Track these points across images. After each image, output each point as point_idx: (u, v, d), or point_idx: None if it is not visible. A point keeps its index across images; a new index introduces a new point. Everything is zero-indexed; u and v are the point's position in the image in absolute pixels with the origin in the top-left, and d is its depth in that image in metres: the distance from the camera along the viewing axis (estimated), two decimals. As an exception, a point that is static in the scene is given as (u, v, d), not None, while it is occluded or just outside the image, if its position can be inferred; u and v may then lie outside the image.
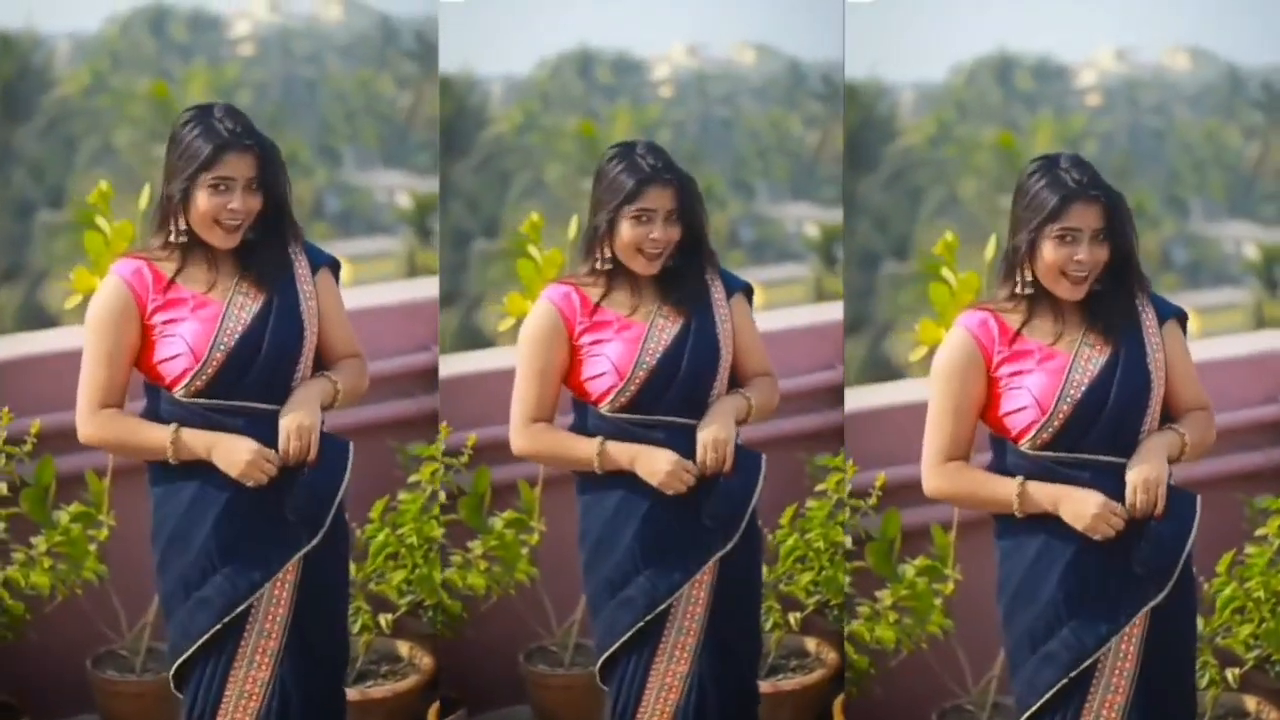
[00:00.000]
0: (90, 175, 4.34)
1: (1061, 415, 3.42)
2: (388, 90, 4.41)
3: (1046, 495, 3.42)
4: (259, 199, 3.49)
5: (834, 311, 4.43)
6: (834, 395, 4.43)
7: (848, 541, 4.37)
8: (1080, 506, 3.40)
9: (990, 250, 4.20)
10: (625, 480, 3.61)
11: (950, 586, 4.30)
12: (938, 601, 4.30)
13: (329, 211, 4.43)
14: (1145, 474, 3.42)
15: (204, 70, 4.35)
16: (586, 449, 3.61)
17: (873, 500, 4.34)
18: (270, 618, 3.49)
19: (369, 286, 4.42)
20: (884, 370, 4.41)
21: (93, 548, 4.26)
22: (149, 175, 4.33)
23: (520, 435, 3.65)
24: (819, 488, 4.41)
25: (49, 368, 4.23)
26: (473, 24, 4.33)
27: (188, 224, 3.48)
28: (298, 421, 3.48)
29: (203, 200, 3.46)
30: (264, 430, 3.47)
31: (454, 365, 4.42)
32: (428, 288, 4.43)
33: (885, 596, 4.32)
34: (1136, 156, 4.41)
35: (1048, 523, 3.44)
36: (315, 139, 4.40)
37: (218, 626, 3.47)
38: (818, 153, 4.45)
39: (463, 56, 4.38)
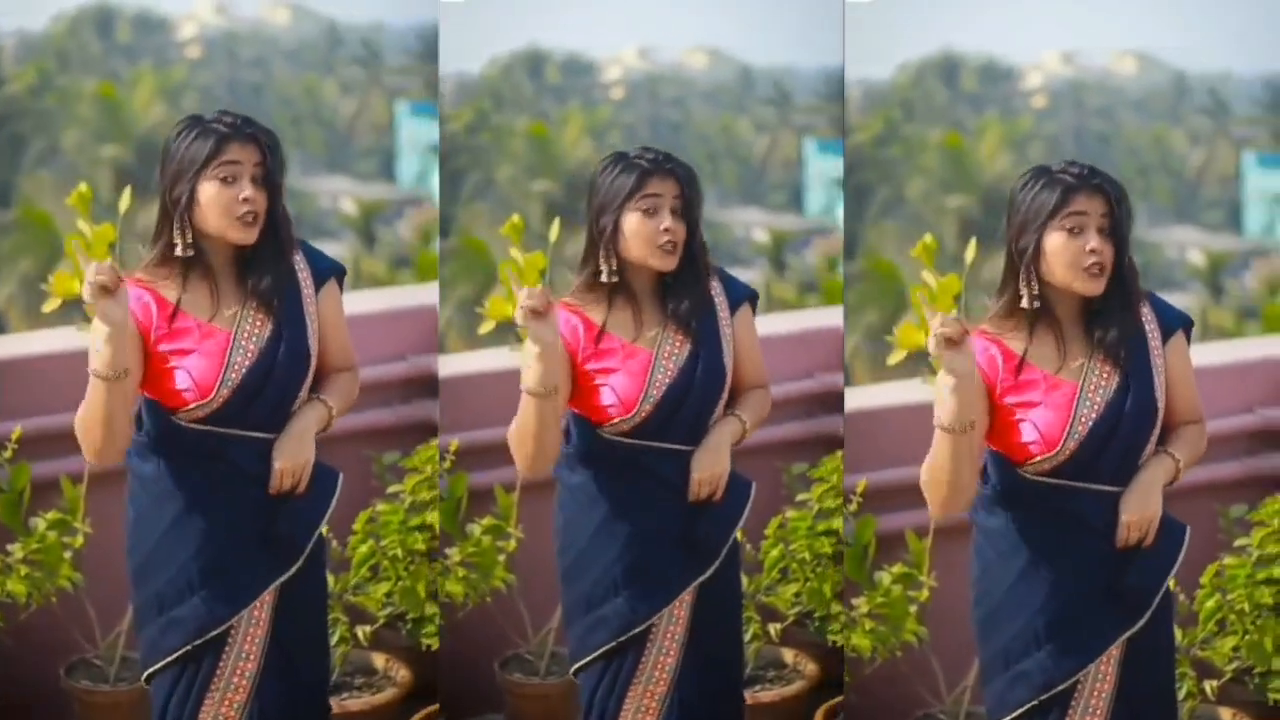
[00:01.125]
0: (36, 175, 4.29)
1: (1068, 451, 3.35)
2: (332, 96, 4.37)
3: (937, 392, 3.27)
4: (265, 195, 3.39)
5: (798, 320, 4.42)
6: (810, 403, 4.41)
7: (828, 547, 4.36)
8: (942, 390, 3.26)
9: (971, 253, 4.16)
10: (612, 497, 3.56)
11: (925, 594, 4.30)
12: (912, 609, 4.29)
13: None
14: (1140, 512, 3.36)
15: (150, 72, 4.31)
16: (524, 403, 3.47)
17: (853, 507, 4.32)
18: (250, 639, 3.44)
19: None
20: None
21: (68, 555, 4.21)
22: (95, 176, 4.29)
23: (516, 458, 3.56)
24: (800, 497, 4.40)
25: (30, 370, 4.19)
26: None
27: (194, 235, 3.38)
28: (292, 460, 3.41)
29: (212, 194, 3.35)
30: (259, 455, 3.41)
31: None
32: (403, 296, 4.41)
33: (861, 604, 4.32)
34: (1082, 160, 4.42)
35: (1034, 542, 3.37)
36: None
37: (186, 648, 3.42)
38: (767, 158, 4.45)
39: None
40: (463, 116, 4.41)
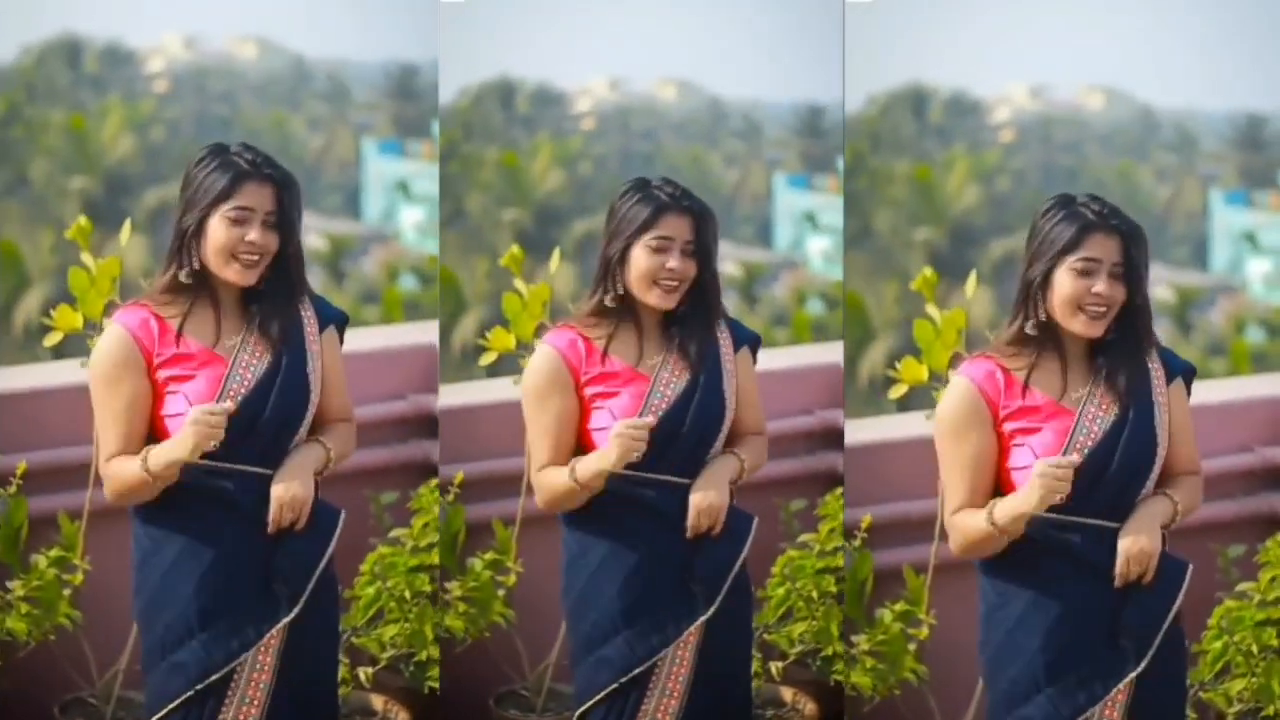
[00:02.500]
0: (3, 206, 4.26)
1: None
2: (299, 132, 4.35)
3: (1015, 500, 3.30)
4: (276, 237, 3.37)
5: (796, 356, 4.41)
6: (808, 439, 4.39)
7: (830, 582, 4.34)
8: (1031, 486, 3.28)
9: (971, 288, 4.12)
10: (611, 534, 3.52)
11: (925, 631, 4.26)
12: (911, 647, 4.26)
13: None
14: (1140, 545, 3.33)
15: (119, 105, 4.28)
16: (563, 479, 3.48)
17: (857, 543, 4.28)
18: (254, 684, 3.40)
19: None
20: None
21: (67, 592, 4.17)
22: (63, 208, 4.26)
23: (537, 485, 3.55)
24: (803, 537, 4.36)
25: (26, 404, 4.16)
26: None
27: (199, 264, 3.36)
28: (291, 492, 3.38)
29: (219, 232, 3.34)
30: (257, 492, 3.37)
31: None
32: (396, 335, 4.39)
33: (861, 641, 4.28)
34: (1049, 194, 4.39)
35: (1034, 582, 3.36)
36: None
37: (190, 693, 3.37)
38: (736, 191, 4.45)
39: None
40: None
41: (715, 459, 3.58)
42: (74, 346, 4.06)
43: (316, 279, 4.38)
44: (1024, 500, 3.32)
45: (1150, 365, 3.40)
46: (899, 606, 4.27)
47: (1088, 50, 4.31)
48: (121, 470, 3.36)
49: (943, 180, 4.39)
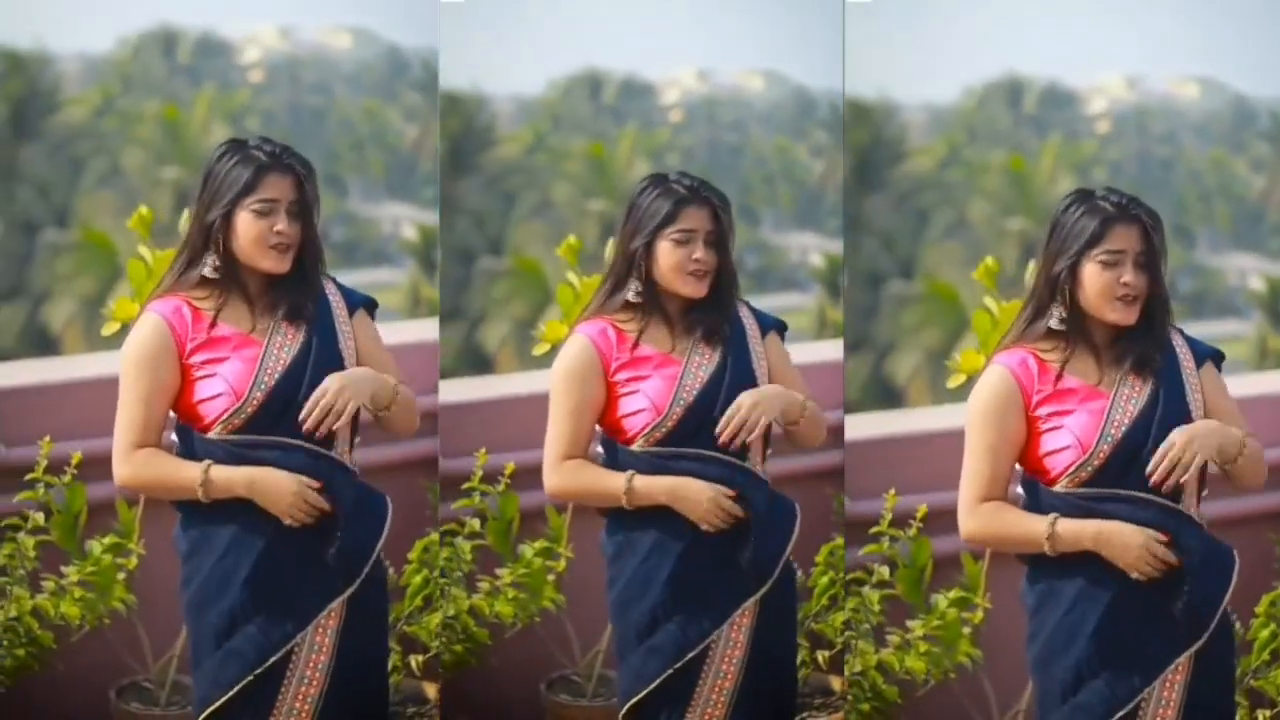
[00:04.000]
0: (96, 196, 4.34)
1: (1102, 455, 3.37)
2: (395, 121, 4.40)
3: (1085, 532, 3.34)
4: (299, 225, 3.45)
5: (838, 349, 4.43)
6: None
7: (885, 572, 4.34)
8: (1124, 539, 3.32)
9: (1030, 276, 4.14)
10: (658, 522, 3.55)
11: (979, 616, 4.28)
12: (966, 631, 4.28)
13: (334, 241, 4.43)
14: (1192, 433, 3.34)
15: (213, 95, 4.35)
16: (614, 484, 3.54)
17: (912, 531, 4.29)
18: (311, 664, 3.43)
19: (392, 324, 4.41)
20: (884, 391, 4.41)
21: (121, 576, 4.24)
22: (155, 198, 4.33)
23: (554, 473, 3.59)
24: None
25: (87, 393, 4.22)
26: (480, 42, 4.33)
27: (227, 257, 3.42)
28: (341, 382, 3.41)
29: (249, 226, 3.41)
30: (295, 467, 3.41)
31: (460, 391, 4.40)
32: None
33: (916, 627, 4.30)
34: (1144, 185, 4.40)
35: (1084, 569, 3.37)
36: (321, 168, 4.36)
37: (249, 678, 3.41)
38: (823, 181, 4.45)
39: (470, 75, 4.38)
40: (521, 138, 4.44)
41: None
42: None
43: (409, 270, 4.44)
44: (1101, 544, 3.34)
45: (1178, 349, 3.43)
46: (954, 593, 4.28)
47: (1183, 40, 4.27)
48: (166, 468, 3.41)
49: (1036, 171, 4.38)
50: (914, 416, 4.36)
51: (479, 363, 4.44)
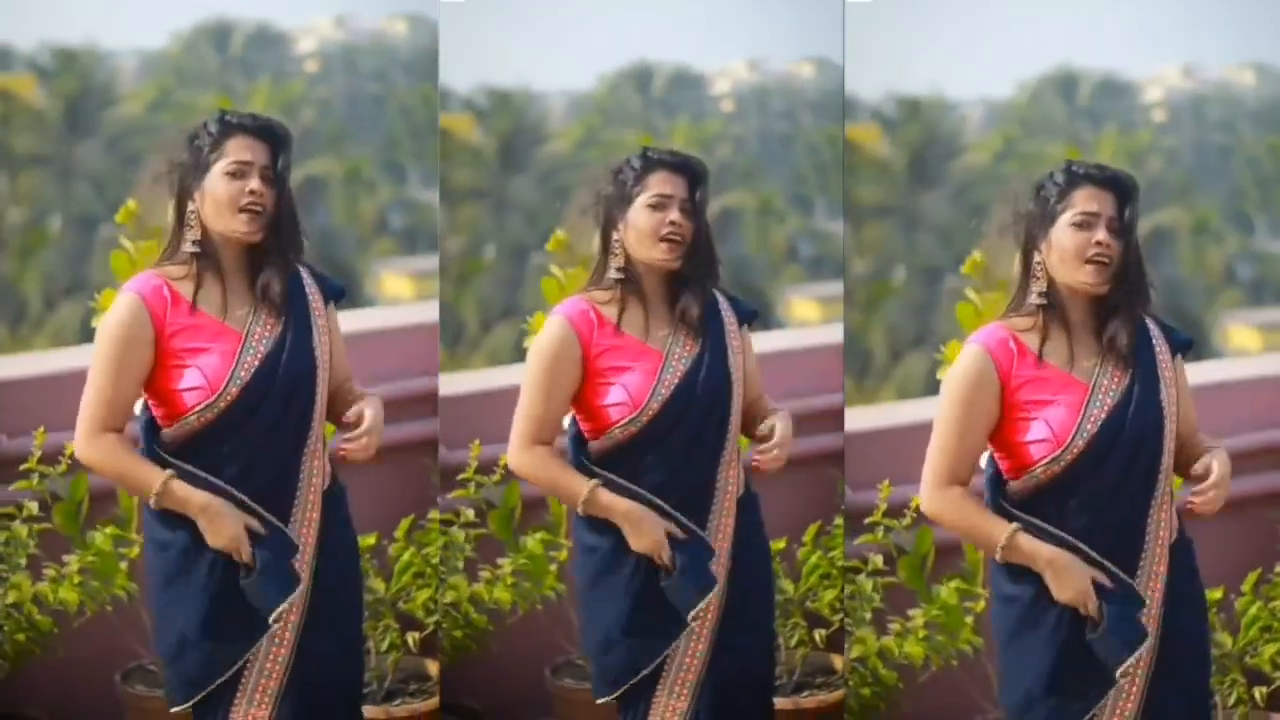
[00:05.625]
0: (153, 191, 4.37)
1: (1075, 450, 3.30)
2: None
3: (1040, 554, 3.30)
4: (274, 192, 3.37)
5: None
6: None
7: (879, 560, 4.33)
8: (1071, 575, 3.28)
9: (1017, 266, 4.17)
10: (615, 531, 3.50)
11: (981, 604, 4.27)
12: (968, 619, 4.27)
13: (393, 228, 4.44)
14: (1225, 471, 3.33)
15: (268, 86, 4.37)
16: (576, 488, 3.48)
17: (906, 520, 4.30)
18: (271, 658, 3.40)
19: (429, 302, 4.43)
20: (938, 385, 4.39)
21: (123, 564, 4.25)
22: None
23: (521, 454, 3.52)
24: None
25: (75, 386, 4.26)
26: (528, 39, 4.34)
27: (202, 231, 3.37)
28: (379, 417, 3.42)
29: (220, 188, 3.34)
30: (253, 484, 3.37)
31: (462, 383, 4.40)
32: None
33: (917, 615, 4.30)
34: (1201, 173, 4.38)
35: (1027, 576, 3.33)
36: (380, 156, 4.41)
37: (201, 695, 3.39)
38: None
39: (518, 71, 4.39)
40: (572, 133, 4.44)
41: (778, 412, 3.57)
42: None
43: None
44: (1047, 570, 3.29)
45: (1154, 338, 3.37)
46: (955, 583, 4.27)
47: (1238, 27, 4.26)
48: (128, 464, 3.35)
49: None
50: (908, 408, 4.34)
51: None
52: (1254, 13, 4.24)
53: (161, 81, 4.37)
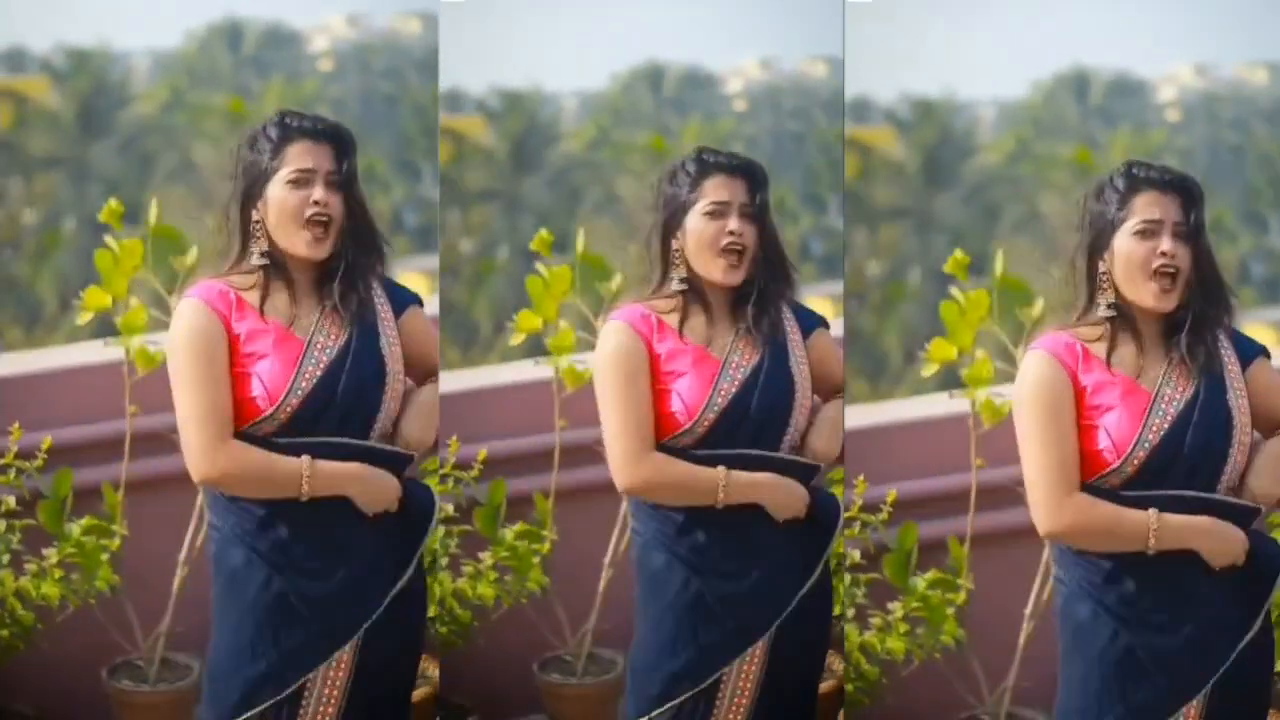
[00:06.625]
0: (167, 191, 4.37)
1: (1137, 460, 3.23)
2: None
3: (1191, 525, 3.18)
4: (340, 198, 3.26)
5: None
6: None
7: (856, 555, 4.32)
8: (1225, 541, 3.18)
9: (999, 266, 4.17)
10: (669, 545, 3.42)
11: (963, 596, 4.26)
12: (950, 611, 4.27)
13: (408, 227, 4.45)
14: (1268, 496, 3.23)
15: (281, 85, 4.37)
16: (712, 478, 3.37)
17: (884, 515, 4.29)
18: (329, 682, 3.33)
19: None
20: (955, 384, 4.38)
21: (105, 558, 4.24)
22: (227, 192, 4.35)
23: (637, 466, 3.39)
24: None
25: (56, 384, 4.26)
26: (541, 39, 4.35)
27: (269, 242, 3.26)
28: (427, 434, 3.36)
29: (282, 198, 3.23)
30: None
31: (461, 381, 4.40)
32: None
33: (896, 609, 4.30)
34: (1215, 172, 4.38)
35: (1100, 589, 3.25)
36: (394, 155, 4.41)
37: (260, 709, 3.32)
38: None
39: (529, 71, 4.40)
40: (584, 133, 4.45)
41: (829, 403, 3.52)
42: (105, 326, 4.16)
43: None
44: (1204, 534, 3.20)
45: (1222, 348, 3.27)
46: (931, 574, 4.26)
47: (1251, 26, 4.25)
48: (264, 460, 3.23)
49: (1105, 163, 4.36)
50: (889, 408, 4.33)
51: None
52: (1267, 12, 4.24)
53: (174, 81, 4.37)
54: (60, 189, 4.36)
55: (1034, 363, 3.27)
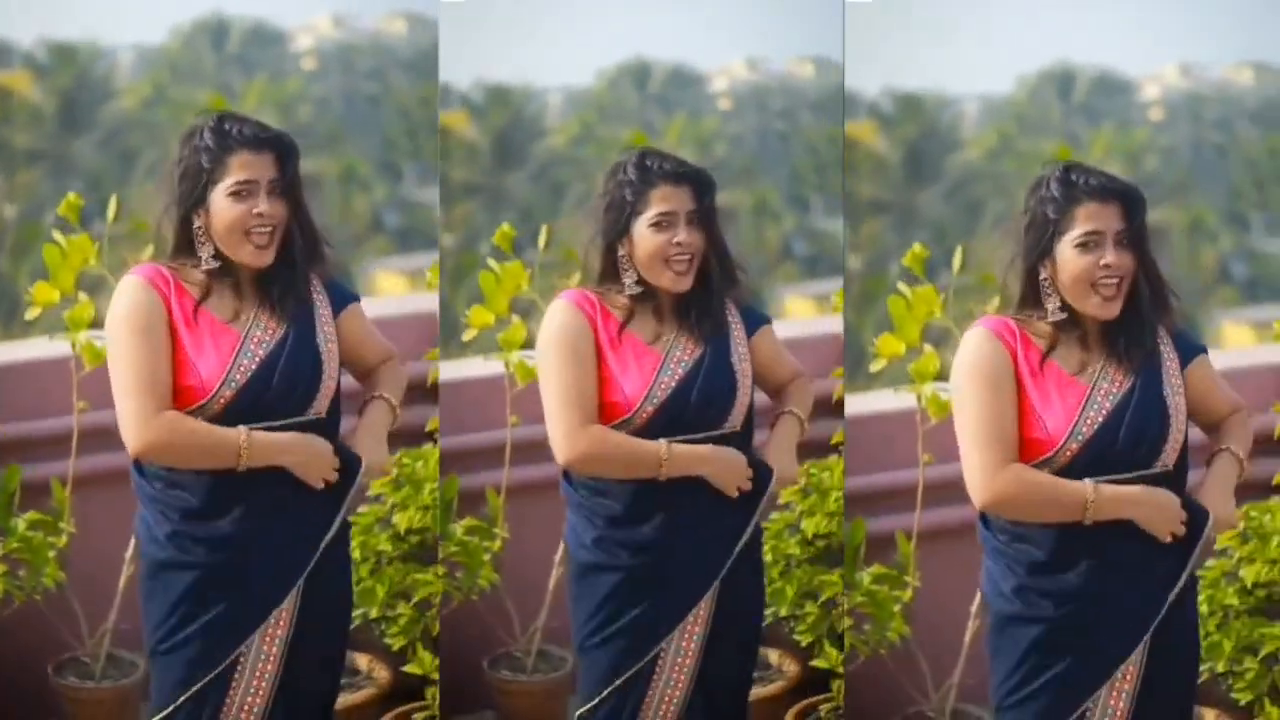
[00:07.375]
0: (147, 188, 4.35)
1: (1069, 452, 3.23)
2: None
3: (1127, 495, 3.19)
4: (283, 205, 3.27)
5: (804, 327, 4.38)
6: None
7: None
8: (1161, 508, 3.20)
9: (957, 262, 4.17)
10: (613, 508, 3.45)
11: (909, 594, 4.28)
12: (896, 608, 4.28)
13: (389, 227, 4.43)
14: (1227, 514, 3.28)
15: (264, 84, 4.35)
16: (654, 450, 3.38)
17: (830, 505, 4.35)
18: (267, 639, 3.34)
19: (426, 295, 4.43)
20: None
21: (52, 554, 4.23)
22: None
23: (578, 438, 3.39)
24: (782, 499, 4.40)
25: (12, 376, 4.24)
26: (528, 35, 4.33)
27: (215, 247, 3.27)
28: (378, 457, 3.37)
29: (226, 211, 3.24)
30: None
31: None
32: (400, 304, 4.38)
33: (842, 601, 4.32)
34: (1198, 171, 4.38)
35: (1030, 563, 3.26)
36: (376, 155, 4.39)
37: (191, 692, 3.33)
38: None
39: (516, 67, 4.38)
40: (568, 129, 4.43)
41: (780, 427, 3.54)
42: (54, 320, 4.15)
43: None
44: (1139, 504, 3.22)
45: (1163, 342, 3.28)
46: (875, 569, 4.27)
47: (1236, 26, 4.25)
48: (200, 430, 3.22)
49: (1088, 160, 4.34)
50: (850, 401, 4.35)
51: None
52: (1253, 12, 4.24)
53: (157, 77, 4.35)
54: (41, 184, 4.34)
55: (975, 338, 3.27)
